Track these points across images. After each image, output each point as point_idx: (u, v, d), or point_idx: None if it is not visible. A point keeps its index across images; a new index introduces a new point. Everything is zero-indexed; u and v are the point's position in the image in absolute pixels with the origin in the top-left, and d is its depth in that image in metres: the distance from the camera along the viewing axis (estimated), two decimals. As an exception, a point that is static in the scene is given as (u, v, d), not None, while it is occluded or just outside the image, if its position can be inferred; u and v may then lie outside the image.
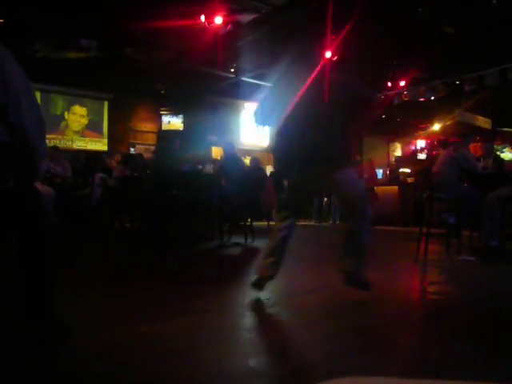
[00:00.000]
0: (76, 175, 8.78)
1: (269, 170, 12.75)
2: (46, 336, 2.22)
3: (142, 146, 12.44)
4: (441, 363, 2.09)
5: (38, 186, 2.40)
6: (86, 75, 10.68)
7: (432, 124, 15.25)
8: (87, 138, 11.69)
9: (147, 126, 12.66)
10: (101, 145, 11.89)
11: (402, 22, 8.13)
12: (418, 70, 10.42)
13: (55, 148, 8.65)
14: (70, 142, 11.38)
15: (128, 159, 9.57)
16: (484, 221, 5.01)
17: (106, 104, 12.04)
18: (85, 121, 11.77)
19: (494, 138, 14.94)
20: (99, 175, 8.40)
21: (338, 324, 2.69)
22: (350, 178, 3.09)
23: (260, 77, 11.76)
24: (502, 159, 7.97)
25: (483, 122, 15.38)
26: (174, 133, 12.41)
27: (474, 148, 10.99)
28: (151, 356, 2.13)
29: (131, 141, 12.43)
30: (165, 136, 12.24)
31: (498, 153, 11.95)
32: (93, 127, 11.90)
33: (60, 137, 11.21)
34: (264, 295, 3.35)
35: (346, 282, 3.19)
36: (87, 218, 8.15)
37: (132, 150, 12.26)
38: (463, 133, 7.71)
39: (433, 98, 11.02)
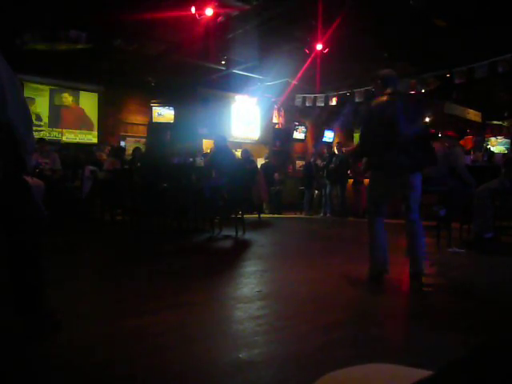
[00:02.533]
0: (66, 168, 8.70)
1: (259, 162, 12.75)
2: (34, 330, 2.21)
3: (133, 138, 12.36)
4: (430, 353, 2.11)
5: (28, 178, 2.38)
6: (75, 67, 10.57)
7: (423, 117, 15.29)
8: (77, 131, 11.59)
9: (138, 119, 12.57)
10: (91, 137, 11.79)
11: (394, 15, 8.12)
12: (409, 62, 10.44)
13: (42, 140, 8.55)
14: (60, 135, 11.28)
15: (118, 152, 9.51)
16: (475, 213, 5.05)
17: (96, 96, 11.93)
18: (74, 113, 11.68)
19: (484, 130, 15.05)
20: (89, 168, 8.33)
21: (329, 316, 2.70)
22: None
23: (251, 69, 11.73)
24: (493, 152, 8.03)
25: (473, 115, 15.46)
26: (164, 125, 12.35)
27: (465, 141, 11.06)
28: (141, 350, 2.13)
29: (122, 133, 12.32)
30: (156, 128, 12.20)
31: (487, 146, 12.05)
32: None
33: (49, 129, 11.10)
34: (255, 288, 3.37)
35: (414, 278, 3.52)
36: (77, 211, 8.09)
37: (122, 142, 12.17)
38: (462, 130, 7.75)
39: (423, 90, 11.05)
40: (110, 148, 10.06)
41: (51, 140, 10.52)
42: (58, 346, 2.18)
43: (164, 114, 12.70)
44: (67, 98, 11.52)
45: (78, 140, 11.57)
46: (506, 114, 14.74)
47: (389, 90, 3.59)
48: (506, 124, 15.12)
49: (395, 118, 3.43)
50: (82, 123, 11.76)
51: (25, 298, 2.21)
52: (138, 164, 8.23)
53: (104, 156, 9.63)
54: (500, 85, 11.72)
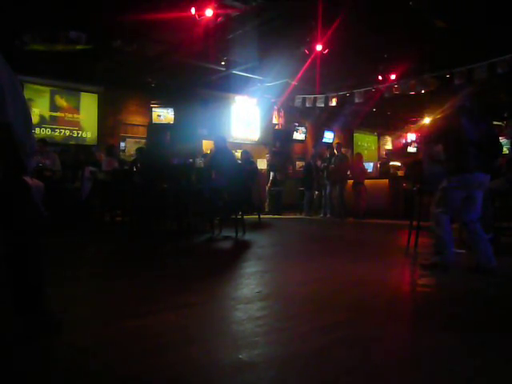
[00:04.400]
0: (65, 169, 8.71)
1: (260, 163, 12.75)
2: (34, 330, 2.21)
3: (133, 139, 12.35)
4: (429, 354, 2.11)
5: (28, 179, 2.37)
6: (75, 68, 10.57)
7: (422, 117, 15.31)
8: (75, 131, 11.56)
9: (137, 120, 12.56)
10: (88, 136, 11.77)
11: (394, 15, 8.12)
12: (409, 63, 10.44)
13: (43, 141, 8.55)
14: (59, 135, 11.27)
15: (111, 150, 9.51)
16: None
17: (95, 97, 11.92)
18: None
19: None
20: (89, 168, 8.33)
21: (329, 317, 2.70)
22: None
23: (251, 70, 11.73)
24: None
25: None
26: (164, 126, 12.34)
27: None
28: (142, 350, 2.13)
29: (121, 134, 12.31)
30: (155, 129, 12.21)
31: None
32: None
33: (50, 130, 11.10)
34: (255, 288, 3.37)
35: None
36: (77, 212, 8.09)
37: (122, 143, 12.17)
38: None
39: (423, 91, 11.05)
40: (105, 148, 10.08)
41: (52, 141, 10.51)
42: (57, 347, 2.18)
43: (164, 114, 12.70)
44: (64, 100, 11.50)
45: (77, 141, 11.54)
46: (505, 115, 14.74)
47: None
48: (505, 124, 15.11)
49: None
50: (80, 126, 11.74)
51: (24, 298, 2.21)
52: (139, 165, 8.23)
53: (103, 157, 9.63)
54: (499, 86, 11.71)
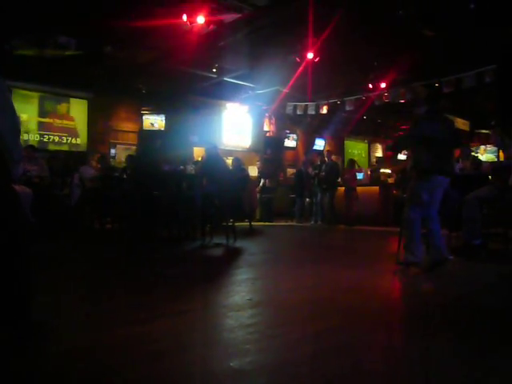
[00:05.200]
0: (54, 175, 8.63)
1: (251, 170, 12.75)
2: (23, 339, 2.18)
3: (123, 145, 12.30)
4: (420, 361, 2.11)
5: (15, 186, 2.35)
6: (65, 74, 10.51)
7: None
8: (65, 137, 11.48)
9: (128, 126, 12.51)
10: (79, 143, 11.70)
11: (384, 25, 8.21)
12: (399, 72, 10.55)
13: (31, 147, 8.48)
14: (48, 141, 11.19)
15: (86, 159, 9.44)
16: (464, 220, 5.09)
17: (85, 103, 11.86)
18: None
19: (471, 139, 15.23)
20: (78, 175, 8.27)
21: (320, 323, 2.69)
22: None
23: (242, 77, 11.76)
24: (480, 160, 8.11)
25: (462, 123, 15.65)
26: (155, 133, 12.31)
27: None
28: (134, 359, 2.10)
29: (112, 140, 12.25)
30: (146, 136, 12.15)
31: (474, 154, 12.17)
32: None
33: (38, 136, 11.01)
34: (246, 295, 3.35)
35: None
36: (66, 219, 8.01)
37: (112, 150, 12.11)
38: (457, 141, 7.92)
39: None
40: (99, 155, 10.01)
41: (40, 147, 10.44)
42: (50, 356, 2.15)
43: (155, 121, 12.67)
44: (53, 106, 11.43)
45: (66, 147, 11.46)
46: (492, 123, 14.93)
47: None
48: (492, 132, 15.32)
49: None
50: (70, 132, 11.67)
51: (13, 307, 2.18)
52: (128, 171, 8.19)
53: (94, 163, 9.57)
54: (487, 94, 11.87)
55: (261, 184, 12.38)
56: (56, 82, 10.93)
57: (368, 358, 2.17)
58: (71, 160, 10.41)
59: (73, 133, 11.70)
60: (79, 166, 9.04)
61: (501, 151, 6.97)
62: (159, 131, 12.47)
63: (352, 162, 12.14)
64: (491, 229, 5.49)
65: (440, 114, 4.67)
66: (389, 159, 17.45)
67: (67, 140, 11.56)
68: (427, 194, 4.41)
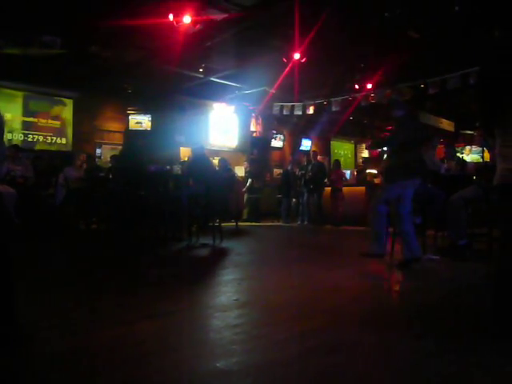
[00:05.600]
0: (39, 175, 8.51)
1: (237, 170, 12.74)
2: (5, 343, 2.14)
3: (109, 145, 12.19)
4: (405, 360, 2.12)
5: (-1, 186, 2.32)
6: (49, 73, 10.38)
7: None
8: (49, 137, 11.34)
9: (114, 126, 12.39)
10: (64, 142, 11.57)
11: (369, 26, 8.26)
12: (385, 73, 10.63)
13: (16, 147, 8.36)
14: (33, 140, 11.05)
15: (71, 160, 9.26)
16: (449, 221, 5.14)
17: (71, 102, 11.73)
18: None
19: (456, 140, 15.40)
20: (63, 175, 8.18)
21: (306, 324, 2.70)
22: None
23: (229, 77, 11.74)
24: (465, 161, 8.21)
25: (447, 124, 15.83)
26: (141, 132, 12.22)
27: (437, 150, 11.27)
28: (120, 360, 2.09)
29: (97, 140, 12.14)
30: (132, 136, 12.06)
31: (459, 154, 12.32)
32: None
33: (23, 136, 10.87)
34: (233, 296, 3.35)
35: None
36: (51, 219, 7.91)
37: (98, 150, 12.00)
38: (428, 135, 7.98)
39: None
40: (84, 155, 9.88)
41: (24, 147, 10.30)
42: (35, 357, 2.12)
43: (141, 121, 12.58)
44: (38, 106, 11.29)
45: (51, 147, 11.32)
46: (477, 124, 15.13)
47: None
48: (476, 133, 15.50)
49: None
50: (55, 132, 11.53)
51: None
52: (113, 171, 8.11)
53: (79, 163, 9.46)
54: (472, 96, 12.02)
55: (248, 184, 12.38)
56: (41, 81, 10.78)
57: (354, 357, 2.18)
58: (56, 160, 10.29)
59: (58, 132, 11.56)
60: (65, 167, 8.92)
61: (486, 151, 7.08)
62: (145, 131, 12.39)
63: (337, 162, 12.20)
64: (476, 229, 5.55)
65: (416, 118, 5.05)
66: (376, 158, 17.59)
67: (52, 140, 11.42)
68: (395, 195, 4.65)
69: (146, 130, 12.43)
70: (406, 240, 4.60)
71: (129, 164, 6.95)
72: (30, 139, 11.04)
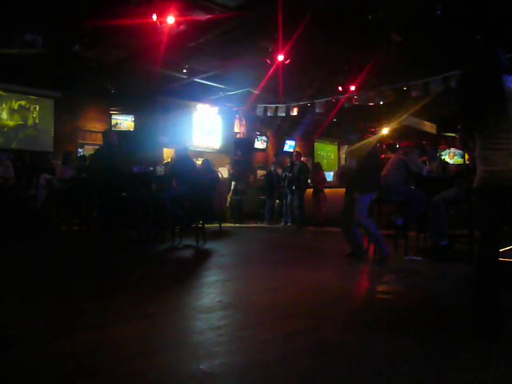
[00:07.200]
0: (20, 176, 8.38)
1: (222, 171, 12.72)
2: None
3: (91, 146, 12.04)
4: (389, 362, 2.14)
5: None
6: (30, 72, 10.22)
7: (381, 128, 15.71)
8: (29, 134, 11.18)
9: (96, 126, 12.25)
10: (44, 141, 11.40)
11: (353, 29, 8.31)
12: (368, 75, 10.71)
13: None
14: (15, 141, 10.88)
15: (67, 158, 9.21)
16: (431, 222, 5.19)
17: (52, 102, 11.57)
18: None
19: (438, 142, 15.60)
20: (44, 176, 8.06)
21: (289, 325, 2.70)
22: None
23: (213, 78, 11.71)
24: (447, 162, 8.32)
25: (429, 127, 16.02)
26: (122, 133, 12.05)
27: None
28: (101, 363, 2.06)
29: (80, 141, 11.99)
30: (110, 136, 11.92)
31: (441, 156, 12.50)
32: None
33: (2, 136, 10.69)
34: (216, 297, 3.33)
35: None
36: (32, 221, 7.79)
37: (80, 150, 11.86)
38: (416, 144, 8.29)
39: (382, 102, 11.35)
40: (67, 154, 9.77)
41: (5, 147, 10.14)
42: (15, 362, 2.08)
43: (124, 122, 12.47)
44: (19, 106, 11.11)
45: (32, 147, 11.13)
46: (458, 127, 15.34)
47: None
48: (458, 136, 15.71)
49: None
50: (36, 132, 11.37)
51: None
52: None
53: (59, 164, 9.35)
54: (453, 98, 12.18)
55: (232, 187, 12.37)
56: (22, 80, 10.62)
57: (337, 358, 2.18)
58: (37, 160, 10.14)
59: (39, 133, 11.40)
60: (58, 166, 8.85)
61: (465, 153, 7.18)
62: (127, 132, 12.28)
63: (318, 165, 12.29)
64: (457, 230, 5.63)
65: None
66: None
67: (33, 140, 11.25)
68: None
69: (128, 131, 12.32)
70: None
71: (103, 164, 6.80)
72: (10, 139, 10.85)
